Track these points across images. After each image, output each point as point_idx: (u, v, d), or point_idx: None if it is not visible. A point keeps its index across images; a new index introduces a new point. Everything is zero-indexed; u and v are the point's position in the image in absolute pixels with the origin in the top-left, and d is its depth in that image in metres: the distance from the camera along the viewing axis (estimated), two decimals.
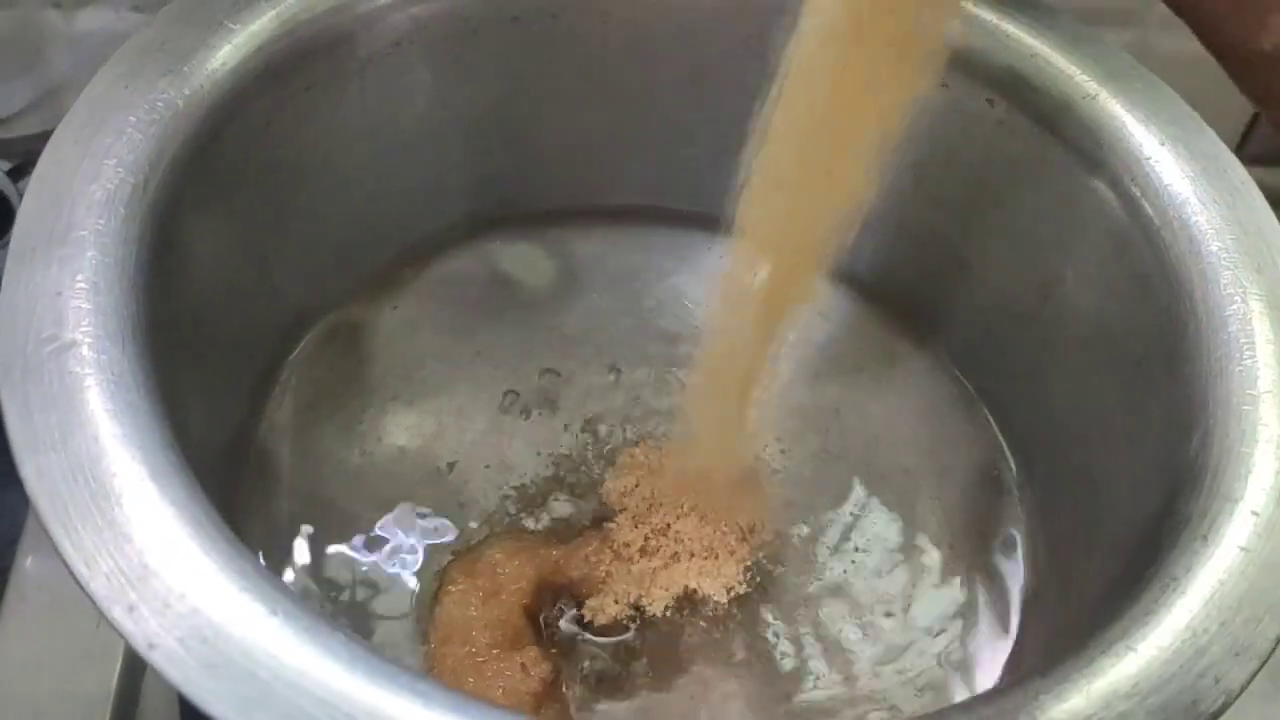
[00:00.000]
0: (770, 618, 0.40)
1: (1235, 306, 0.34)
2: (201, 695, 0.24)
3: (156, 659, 0.24)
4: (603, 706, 0.38)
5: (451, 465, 0.43)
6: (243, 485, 0.41)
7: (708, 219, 0.49)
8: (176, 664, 0.24)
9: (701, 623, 0.40)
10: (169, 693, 0.38)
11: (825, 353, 0.47)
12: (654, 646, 0.39)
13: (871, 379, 0.47)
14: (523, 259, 0.49)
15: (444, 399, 0.44)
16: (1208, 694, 0.26)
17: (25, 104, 0.51)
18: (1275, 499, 0.30)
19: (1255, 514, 0.29)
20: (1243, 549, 0.29)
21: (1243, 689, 0.27)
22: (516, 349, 0.46)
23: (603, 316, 0.47)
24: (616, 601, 0.39)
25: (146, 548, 0.26)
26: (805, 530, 0.43)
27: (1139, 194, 0.37)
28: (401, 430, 0.43)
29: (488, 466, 0.43)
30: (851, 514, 0.43)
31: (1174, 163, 0.37)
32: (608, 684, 0.39)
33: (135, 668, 0.41)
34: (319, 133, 0.41)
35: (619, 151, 0.48)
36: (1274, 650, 0.27)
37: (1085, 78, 0.39)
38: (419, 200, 0.46)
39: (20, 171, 0.50)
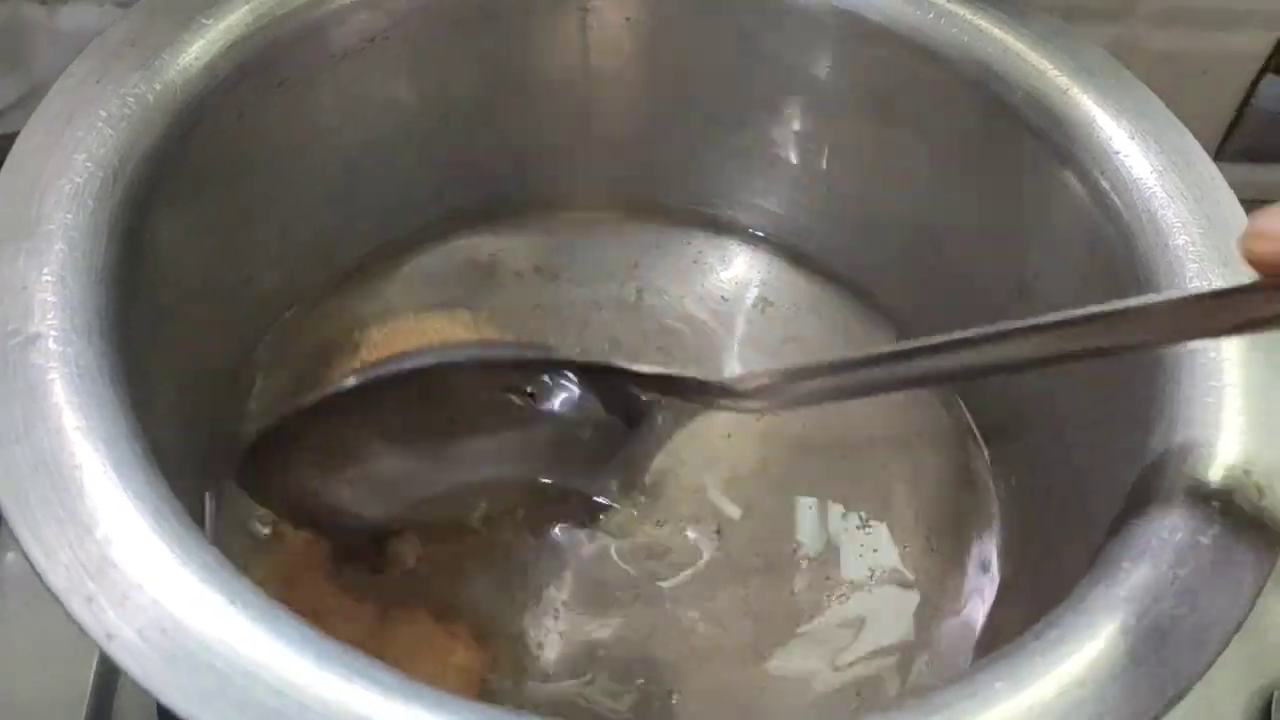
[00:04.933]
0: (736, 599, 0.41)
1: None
2: (160, 687, 0.24)
3: (115, 650, 0.24)
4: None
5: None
6: (218, 477, 0.41)
7: (686, 213, 0.50)
8: (135, 655, 0.24)
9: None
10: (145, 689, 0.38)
11: (799, 346, 0.48)
12: None
13: None
14: (500, 252, 0.49)
15: None
16: (1166, 681, 0.26)
17: (9, 101, 0.51)
18: (1236, 489, 0.30)
19: (1216, 504, 0.29)
20: (1203, 538, 0.29)
21: (1197, 678, 0.27)
22: None
23: (582, 308, 0.48)
24: None
25: (107, 539, 0.26)
26: (779, 524, 0.43)
27: (1109, 187, 0.37)
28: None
29: None
30: (825, 507, 0.43)
31: (1143, 157, 0.37)
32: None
33: (112, 664, 0.41)
34: (293, 128, 0.41)
35: (595, 147, 0.48)
36: (1234, 633, 0.27)
37: (1057, 72, 0.39)
38: (394, 195, 0.46)
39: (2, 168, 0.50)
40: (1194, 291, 0.26)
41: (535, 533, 0.41)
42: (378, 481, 0.38)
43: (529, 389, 0.38)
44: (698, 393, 0.37)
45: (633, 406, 0.38)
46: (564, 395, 0.38)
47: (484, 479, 0.40)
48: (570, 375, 0.38)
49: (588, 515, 0.41)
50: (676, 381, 0.37)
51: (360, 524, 0.39)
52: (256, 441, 0.35)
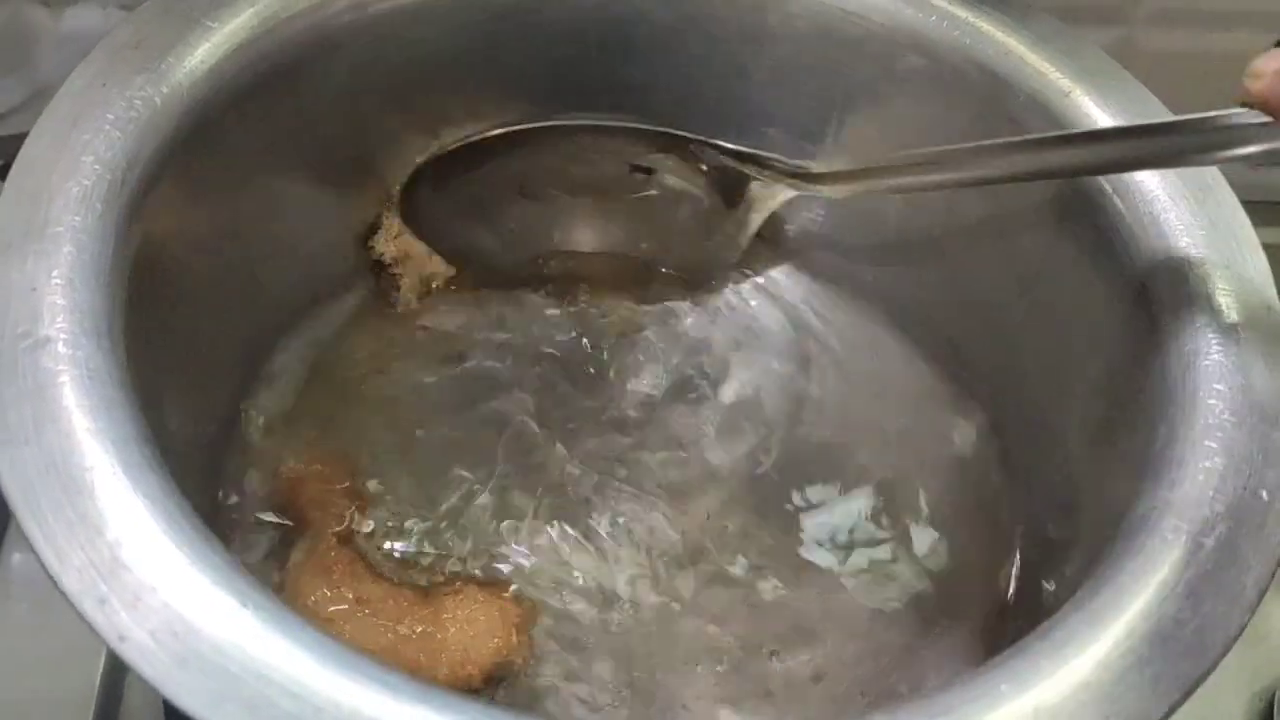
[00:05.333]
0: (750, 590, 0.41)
1: (1203, 301, 0.34)
2: (172, 688, 0.24)
3: (127, 652, 0.25)
4: None
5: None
6: (225, 479, 0.41)
7: None
8: (147, 657, 0.25)
9: None
10: (153, 689, 0.38)
11: (808, 343, 0.48)
12: None
13: (854, 370, 0.47)
14: None
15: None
16: (1172, 683, 0.27)
17: (13, 103, 0.51)
18: (1238, 493, 0.30)
19: (1219, 507, 0.30)
20: (1206, 541, 0.29)
21: (1201, 680, 0.27)
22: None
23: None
24: None
25: (118, 541, 0.26)
26: (788, 520, 0.43)
27: (1110, 190, 0.37)
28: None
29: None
30: (835, 502, 0.44)
31: None
32: None
33: (119, 664, 0.40)
34: (299, 130, 0.41)
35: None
36: (1238, 636, 0.28)
37: (1059, 75, 0.40)
38: None
39: (7, 171, 0.50)
40: (1201, 115, 0.31)
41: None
42: (510, 228, 0.46)
43: (644, 164, 0.45)
44: (788, 175, 0.44)
45: (731, 187, 0.45)
46: (674, 172, 0.45)
47: (596, 244, 0.48)
48: (680, 153, 0.44)
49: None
50: (771, 161, 0.44)
51: (496, 261, 0.47)
52: (406, 184, 0.44)
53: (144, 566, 0.26)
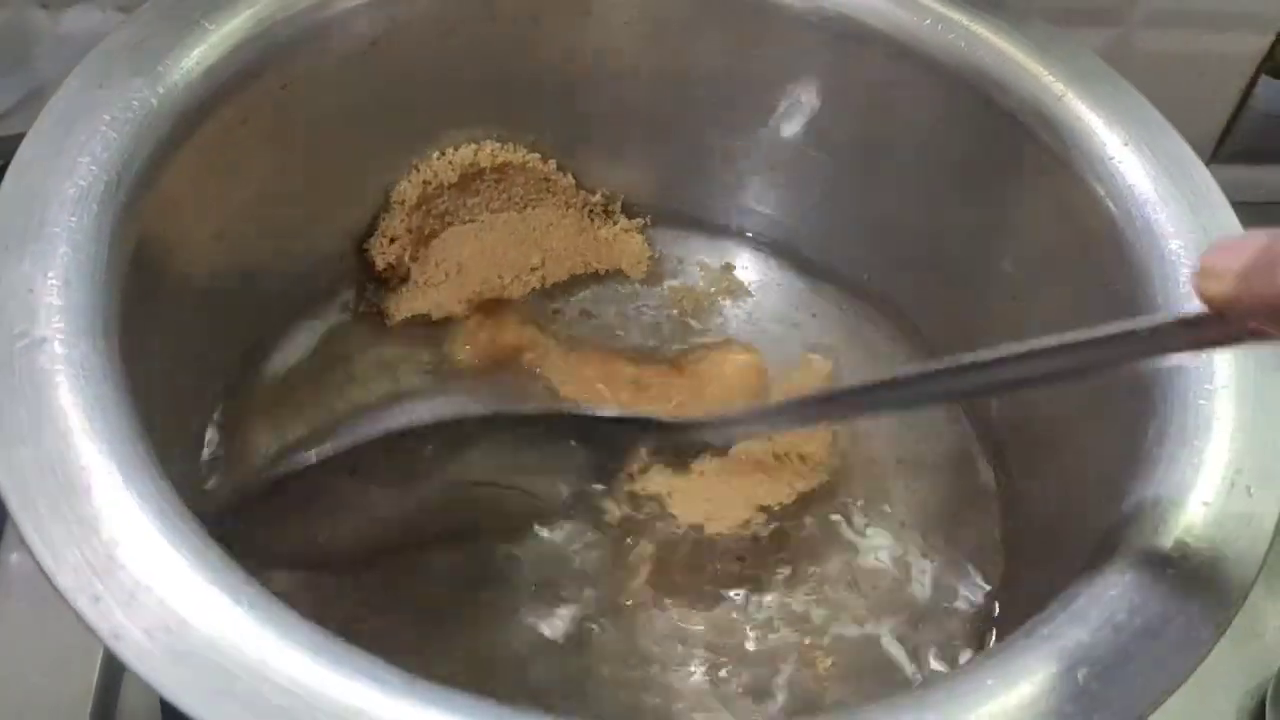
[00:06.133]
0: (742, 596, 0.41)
1: (1194, 305, 0.34)
2: (167, 686, 0.24)
3: (121, 650, 0.25)
4: None
5: None
6: (220, 480, 0.41)
7: (685, 218, 0.50)
8: (142, 655, 0.25)
9: None
10: (150, 688, 0.38)
11: (801, 344, 0.48)
12: None
13: (847, 371, 0.47)
14: None
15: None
16: (1158, 677, 0.27)
17: (11, 104, 0.51)
18: (1225, 490, 0.30)
19: (1205, 504, 0.30)
20: (1193, 538, 0.29)
21: (1188, 674, 0.27)
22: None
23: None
24: None
25: (113, 540, 0.26)
26: (780, 521, 0.43)
27: (1103, 193, 0.38)
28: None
29: None
30: (826, 503, 0.44)
31: (1137, 162, 0.38)
32: None
33: (117, 662, 0.40)
34: (295, 131, 0.41)
35: (595, 148, 0.49)
36: (1224, 630, 0.28)
37: (1053, 79, 0.40)
38: None
39: (4, 172, 0.51)
40: (1173, 316, 0.27)
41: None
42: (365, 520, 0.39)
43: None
44: (668, 433, 0.40)
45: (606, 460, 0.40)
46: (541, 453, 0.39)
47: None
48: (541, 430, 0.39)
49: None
50: (645, 424, 0.39)
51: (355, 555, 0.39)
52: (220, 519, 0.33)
53: (139, 564, 0.26)
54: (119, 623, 0.25)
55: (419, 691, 0.25)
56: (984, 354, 0.31)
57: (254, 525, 0.35)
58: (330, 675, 0.25)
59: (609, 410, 0.41)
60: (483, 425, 0.37)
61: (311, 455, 0.35)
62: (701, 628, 0.40)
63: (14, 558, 0.43)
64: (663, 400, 0.44)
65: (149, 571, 0.26)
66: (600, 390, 0.44)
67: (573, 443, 0.39)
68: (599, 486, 0.41)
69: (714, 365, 0.46)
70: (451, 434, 0.37)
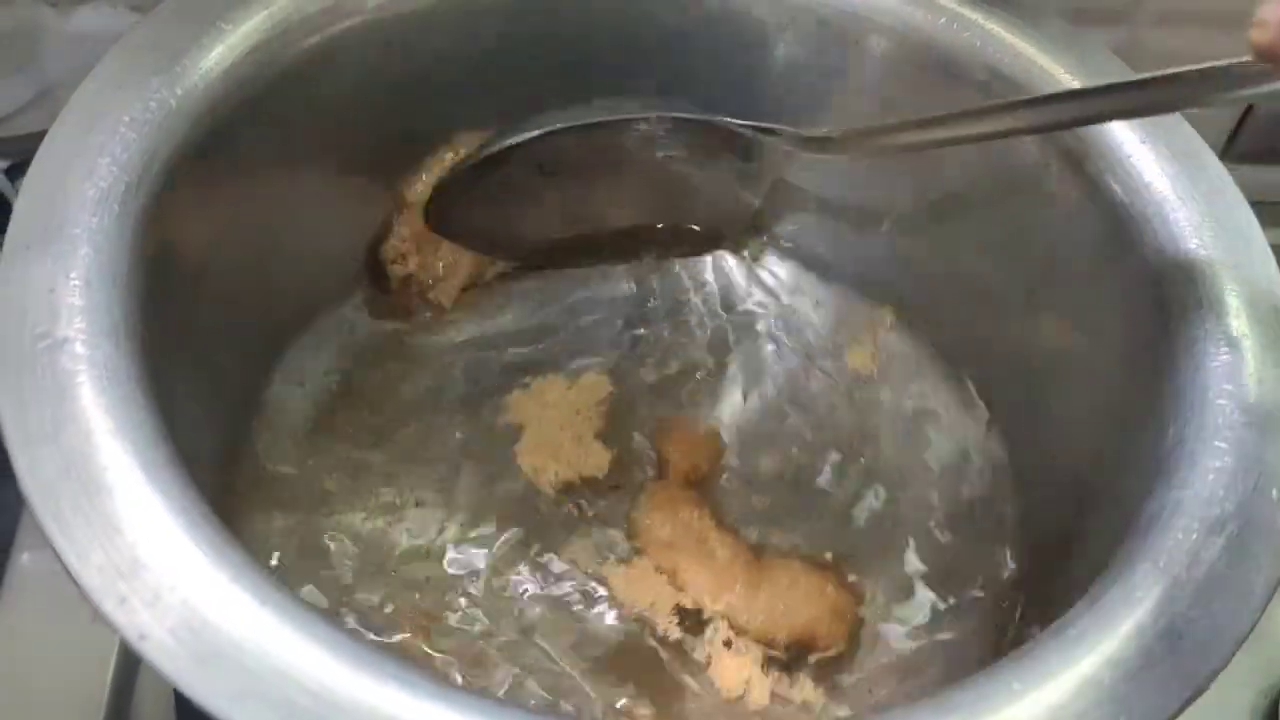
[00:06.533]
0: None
1: (1212, 302, 0.34)
2: (192, 686, 0.24)
3: (147, 650, 0.25)
4: None
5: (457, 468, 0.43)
6: (240, 480, 0.41)
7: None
8: (167, 655, 0.25)
9: None
10: (164, 687, 0.39)
11: (817, 346, 0.48)
12: None
13: (862, 372, 0.48)
14: None
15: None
16: (1182, 681, 0.27)
17: (22, 103, 0.51)
18: (1248, 492, 0.30)
19: (1230, 507, 0.30)
20: (1217, 541, 0.29)
21: (1212, 679, 0.27)
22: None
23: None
24: None
25: (138, 540, 0.26)
26: (796, 515, 0.43)
27: (1119, 191, 0.38)
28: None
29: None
30: (842, 503, 0.44)
31: (1154, 161, 0.38)
32: None
33: (131, 662, 0.41)
34: (314, 130, 0.41)
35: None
36: (1248, 634, 0.28)
37: (1069, 76, 0.40)
38: None
39: (17, 170, 0.51)
40: (1205, 65, 0.31)
41: None
42: (541, 213, 0.46)
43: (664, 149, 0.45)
44: (798, 143, 0.44)
45: (745, 153, 0.45)
46: (688, 145, 0.45)
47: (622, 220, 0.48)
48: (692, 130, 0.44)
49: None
50: (782, 131, 0.44)
51: (530, 246, 0.48)
52: (434, 193, 0.44)
53: (163, 565, 0.26)
54: (144, 624, 0.25)
55: (444, 694, 0.25)
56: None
57: (452, 207, 0.44)
58: (355, 676, 0.25)
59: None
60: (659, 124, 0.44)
61: (508, 140, 0.43)
62: None
63: (26, 557, 0.43)
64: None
65: (173, 572, 0.26)
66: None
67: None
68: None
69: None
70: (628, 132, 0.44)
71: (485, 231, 0.47)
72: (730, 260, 0.50)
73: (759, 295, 0.49)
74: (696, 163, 0.46)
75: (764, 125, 0.44)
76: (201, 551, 0.26)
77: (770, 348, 0.48)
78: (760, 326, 0.49)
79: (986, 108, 0.38)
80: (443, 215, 0.45)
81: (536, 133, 0.43)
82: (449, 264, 0.47)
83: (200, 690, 0.24)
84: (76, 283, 0.30)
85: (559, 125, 0.43)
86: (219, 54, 0.36)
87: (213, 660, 0.25)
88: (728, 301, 0.49)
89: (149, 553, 0.26)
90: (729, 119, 0.44)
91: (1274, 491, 0.30)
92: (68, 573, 0.26)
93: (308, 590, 0.40)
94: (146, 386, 0.29)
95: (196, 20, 0.36)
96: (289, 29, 0.38)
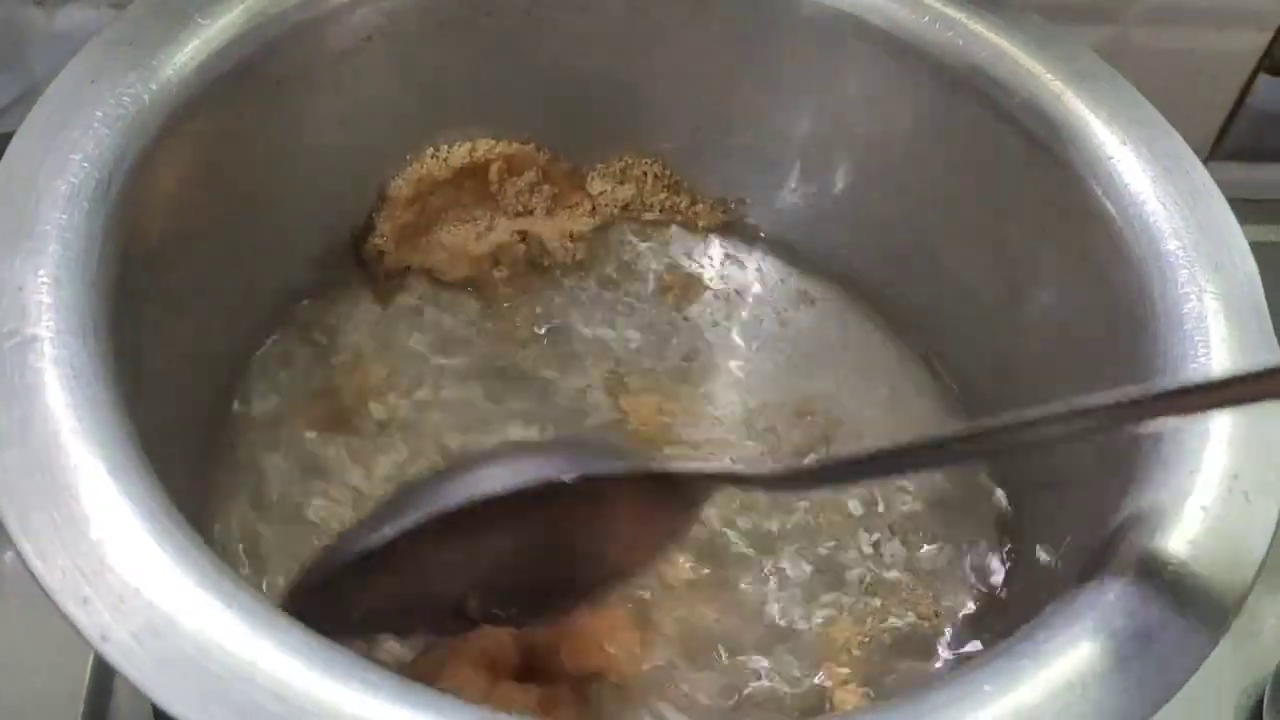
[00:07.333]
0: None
1: (1191, 304, 0.34)
2: (155, 689, 0.24)
3: (109, 652, 0.24)
4: None
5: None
6: (215, 479, 0.41)
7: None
8: (130, 657, 0.24)
9: None
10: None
11: (801, 343, 0.48)
12: None
13: (845, 369, 0.47)
14: None
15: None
16: (1154, 684, 0.27)
17: (7, 102, 0.51)
18: (1223, 496, 0.30)
19: (1203, 509, 0.30)
20: (1190, 543, 0.29)
21: (1184, 682, 0.27)
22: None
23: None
24: None
25: (102, 541, 0.26)
26: (777, 518, 0.43)
27: (1101, 192, 0.38)
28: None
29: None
30: (824, 502, 0.43)
31: (1136, 162, 0.38)
32: None
33: (108, 664, 0.41)
34: (289, 127, 0.41)
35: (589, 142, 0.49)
36: (1220, 637, 0.28)
37: (1051, 77, 0.40)
38: None
39: None
40: (1231, 374, 0.28)
41: None
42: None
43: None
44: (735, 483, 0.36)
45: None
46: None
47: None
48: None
49: None
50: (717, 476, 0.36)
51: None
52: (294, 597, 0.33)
53: (128, 567, 0.25)
54: (107, 625, 0.25)
55: (409, 696, 0.25)
56: (1012, 417, 0.30)
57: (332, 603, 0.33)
58: (321, 680, 0.25)
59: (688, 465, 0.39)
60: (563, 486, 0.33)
61: (386, 532, 0.32)
62: None
63: (7, 557, 0.43)
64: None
65: (138, 573, 0.25)
66: None
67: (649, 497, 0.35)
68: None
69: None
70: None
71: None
72: None
73: None
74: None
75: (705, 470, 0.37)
76: (166, 553, 0.26)
77: None
78: None
79: (930, 442, 0.33)
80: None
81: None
82: (431, 262, 0.47)
83: (164, 694, 0.24)
84: (46, 280, 0.29)
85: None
86: (194, 49, 0.36)
87: (177, 663, 0.24)
88: None
89: (114, 554, 0.26)
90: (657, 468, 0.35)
91: (1249, 493, 0.30)
92: (30, 573, 0.25)
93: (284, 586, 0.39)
94: (116, 386, 0.29)
95: (172, 15, 0.36)
96: (265, 23, 0.38)
